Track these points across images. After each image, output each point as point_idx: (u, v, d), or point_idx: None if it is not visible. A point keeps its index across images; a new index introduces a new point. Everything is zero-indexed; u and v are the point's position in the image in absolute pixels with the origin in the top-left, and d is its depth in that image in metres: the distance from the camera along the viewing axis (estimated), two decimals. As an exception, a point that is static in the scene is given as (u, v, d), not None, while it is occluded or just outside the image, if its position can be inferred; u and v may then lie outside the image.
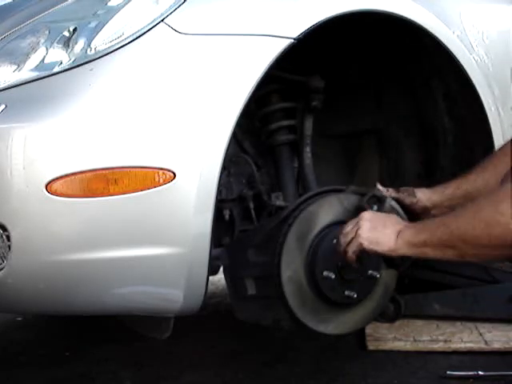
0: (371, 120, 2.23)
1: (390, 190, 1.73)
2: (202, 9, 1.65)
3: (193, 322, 1.98)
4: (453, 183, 1.75)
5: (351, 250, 1.55)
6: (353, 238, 1.54)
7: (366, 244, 1.52)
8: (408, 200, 1.73)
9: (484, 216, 1.39)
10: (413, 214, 1.73)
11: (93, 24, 1.62)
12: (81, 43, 1.60)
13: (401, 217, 1.68)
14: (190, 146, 1.55)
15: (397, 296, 2.01)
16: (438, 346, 2.10)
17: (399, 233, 1.51)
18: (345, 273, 1.63)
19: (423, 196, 1.75)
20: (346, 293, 1.64)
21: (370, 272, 1.65)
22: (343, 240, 1.57)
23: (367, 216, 1.57)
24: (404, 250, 1.51)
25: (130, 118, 1.53)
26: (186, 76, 1.58)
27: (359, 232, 1.53)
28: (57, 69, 1.58)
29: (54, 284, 1.55)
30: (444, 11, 1.59)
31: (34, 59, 1.62)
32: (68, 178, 1.48)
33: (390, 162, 2.24)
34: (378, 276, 1.65)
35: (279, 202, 1.94)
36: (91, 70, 1.55)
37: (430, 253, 1.48)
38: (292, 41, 1.66)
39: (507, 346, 2.07)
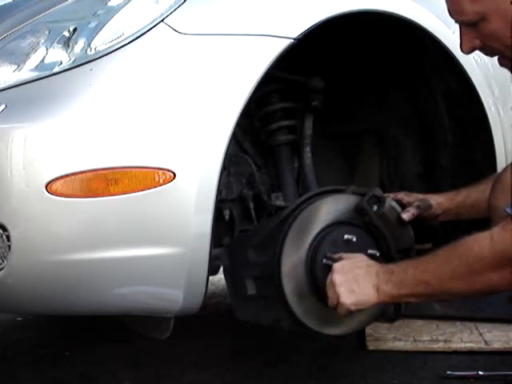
0: (371, 120, 2.22)
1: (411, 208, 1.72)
2: (202, 9, 1.65)
3: (193, 322, 1.98)
4: (463, 191, 1.78)
5: (343, 313, 1.53)
6: (338, 303, 1.51)
7: (354, 308, 1.51)
8: (427, 213, 1.75)
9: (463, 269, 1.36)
10: (420, 220, 1.74)
11: (93, 24, 1.63)
12: (81, 43, 1.60)
13: (400, 216, 1.68)
14: (190, 146, 1.55)
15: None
16: (438, 346, 2.10)
17: (377, 288, 1.48)
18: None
19: (434, 202, 1.77)
20: None
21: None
22: (331, 302, 1.54)
23: (338, 279, 1.51)
24: (388, 300, 1.52)
25: (130, 118, 1.53)
26: (186, 76, 1.58)
27: (341, 301, 1.50)
28: (57, 69, 1.58)
29: (53, 284, 1.55)
30: (444, 11, 1.59)
31: (34, 59, 1.62)
32: (68, 178, 1.48)
33: (390, 162, 2.24)
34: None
35: (279, 202, 1.94)
36: (91, 70, 1.55)
37: (416, 301, 1.49)
38: (292, 41, 1.66)
39: (507, 345, 2.07)
